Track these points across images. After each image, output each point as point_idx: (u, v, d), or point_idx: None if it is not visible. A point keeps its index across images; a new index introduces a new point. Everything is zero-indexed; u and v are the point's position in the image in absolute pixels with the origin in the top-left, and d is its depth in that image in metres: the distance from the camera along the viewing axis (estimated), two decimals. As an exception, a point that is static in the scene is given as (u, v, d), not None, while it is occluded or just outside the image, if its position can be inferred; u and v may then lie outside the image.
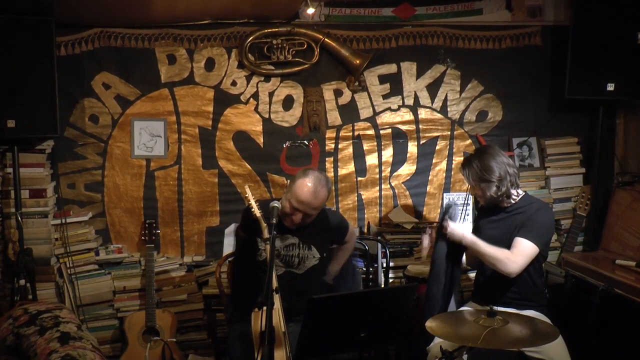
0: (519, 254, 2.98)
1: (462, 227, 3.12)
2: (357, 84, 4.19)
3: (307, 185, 3.01)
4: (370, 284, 3.86)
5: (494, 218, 3.18)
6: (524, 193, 3.19)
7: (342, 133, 4.26)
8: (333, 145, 4.26)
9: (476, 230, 3.26)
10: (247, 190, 3.03)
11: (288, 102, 4.21)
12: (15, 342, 2.59)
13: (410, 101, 4.27)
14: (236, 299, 3.33)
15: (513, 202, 3.14)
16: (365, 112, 4.26)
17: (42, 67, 3.60)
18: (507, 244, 3.03)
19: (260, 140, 4.22)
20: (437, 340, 2.88)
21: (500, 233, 3.11)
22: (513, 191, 3.11)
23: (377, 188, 4.31)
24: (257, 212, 2.95)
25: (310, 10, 3.99)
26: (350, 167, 4.29)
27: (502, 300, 3.08)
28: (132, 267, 4.04)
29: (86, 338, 2.58)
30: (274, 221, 2.78)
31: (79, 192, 4.12)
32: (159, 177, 4.18)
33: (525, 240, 2.99)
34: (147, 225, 3.98)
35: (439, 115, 4.30)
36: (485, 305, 2.95)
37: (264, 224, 2.95)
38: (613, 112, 4.27)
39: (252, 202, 2.96)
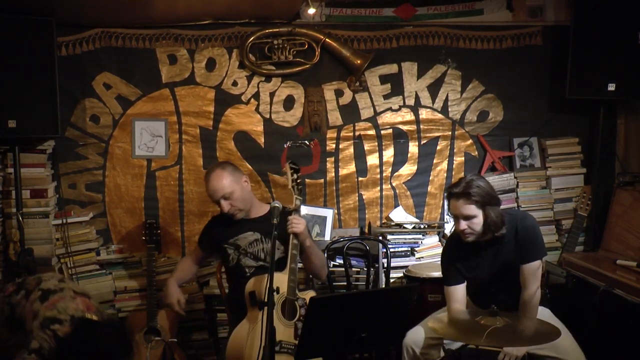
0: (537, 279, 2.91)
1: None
2: (357, 84, 4.19)
3: (208, 176, 3.20)
4: (371, 284, 3.87)
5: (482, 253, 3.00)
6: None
7: (343, 133, 4.26)
8: (334, 146, 4.26)
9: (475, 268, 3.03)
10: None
11: (289, 102, 4.21)
12: (11, 312, 2.62)
13: (411, 101, 4.27)
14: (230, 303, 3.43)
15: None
16: (366, 112, 4.26)
17: (43, 68, 3.61)
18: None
19: (261, 140, 4.22)
20: (417, 328, 3.01)
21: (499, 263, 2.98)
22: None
23: (378, 188, 4.31)
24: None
25: (311, 11, 3.99)
26: (351, 167, 4.29)
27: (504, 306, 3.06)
28: (133, 267, 4.04)
29: (67, 287, 2.58)
30: (275, 221, 2.80)
31: (79, 192, 4.12)
32: (160, 177, 4.18)
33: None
34: (148, 225, 3.97)
35: (439, 116, 4.30)
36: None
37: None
38: (614, 112, 4.26)
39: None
